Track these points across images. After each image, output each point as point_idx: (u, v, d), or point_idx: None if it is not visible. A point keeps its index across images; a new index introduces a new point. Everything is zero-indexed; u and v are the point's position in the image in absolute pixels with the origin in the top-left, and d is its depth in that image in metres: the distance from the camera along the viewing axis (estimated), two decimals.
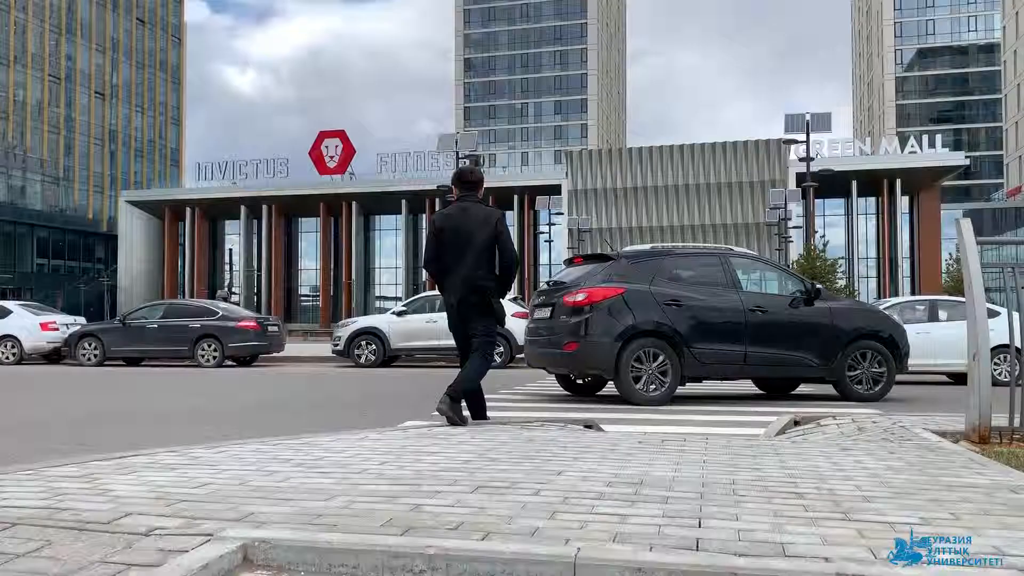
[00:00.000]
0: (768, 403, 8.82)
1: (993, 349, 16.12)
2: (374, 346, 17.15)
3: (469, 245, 5.56)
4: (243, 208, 59.02)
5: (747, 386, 10.53)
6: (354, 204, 57.39)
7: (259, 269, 59.79)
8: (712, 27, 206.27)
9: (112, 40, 69.41)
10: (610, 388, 9.19)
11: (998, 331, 6.41)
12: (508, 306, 17.68)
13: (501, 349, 17.12)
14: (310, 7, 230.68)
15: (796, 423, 5.75)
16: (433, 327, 17.14)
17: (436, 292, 22.19)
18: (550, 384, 11.70)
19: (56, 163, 64.41)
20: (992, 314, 16.71)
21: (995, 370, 13.40)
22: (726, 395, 10.05)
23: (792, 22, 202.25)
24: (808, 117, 25.73)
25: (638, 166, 54.39)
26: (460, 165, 33.51)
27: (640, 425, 6.72)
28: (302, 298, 62.61)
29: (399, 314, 17.67)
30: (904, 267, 51.78)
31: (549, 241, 46.70)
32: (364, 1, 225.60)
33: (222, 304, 19.41)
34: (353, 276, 57.82)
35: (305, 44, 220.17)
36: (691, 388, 9.40)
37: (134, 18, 72.00)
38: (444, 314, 17.51)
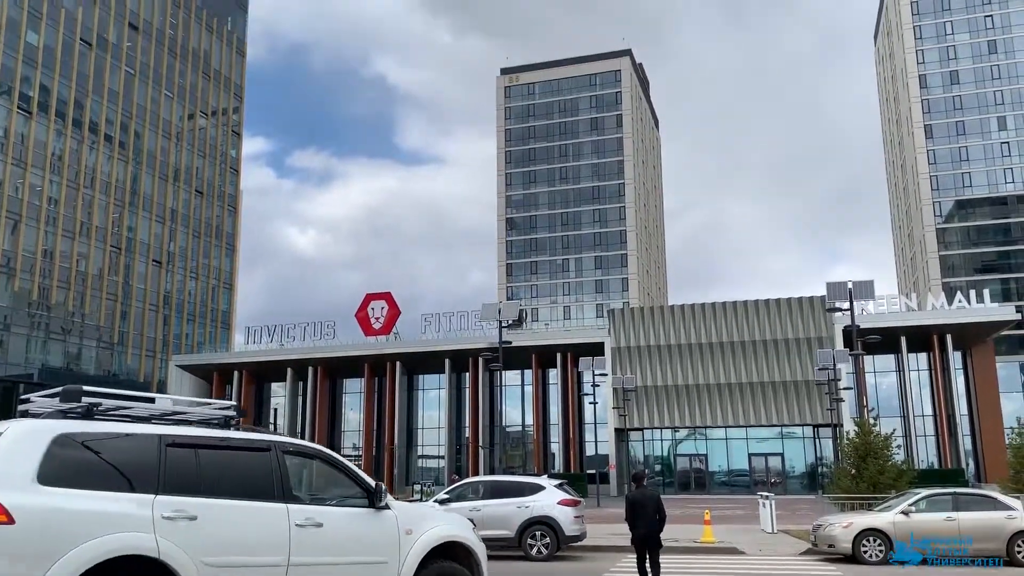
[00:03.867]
0: None
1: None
2: None
3: (646, 509, 11.63)
4: (289, 370, 59.87)
5: None
6: (398, 364, 57.86)
7: (303, 430, 59.82)
8: (749, 182, 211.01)
9: (171, 211, 73.13)
10: None
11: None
12: (554, 493, 17.24)
13: (548, 541, 16.55)
14: (368, 170, 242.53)
15: None
16: (477, 515, 16.67)
17: (479, 478, 21.81)
18: None
19: (112, 329, 66.49)
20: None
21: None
22: None
23: (830, 175, 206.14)
24: (850, 285, 25.67)
25: (681, 323, 54.32)
26: (504, 332, 33.74)
27: None
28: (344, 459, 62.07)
29: (442, 502, 17.26)
30: (964, 424, 49.90)
31: (594, 403, 46.15)
32: (418, 163, 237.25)
33: None
34: (396, 436, 57.49)
35: (363, 203, 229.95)
36: None
37: (193, 190, 76.07)
38: (487, 502, 17.12)
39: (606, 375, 49.37)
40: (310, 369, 59.26)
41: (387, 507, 7.13)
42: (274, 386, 63.92)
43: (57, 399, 6.01)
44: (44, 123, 61.22)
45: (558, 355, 55.06)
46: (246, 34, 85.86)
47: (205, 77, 78.58)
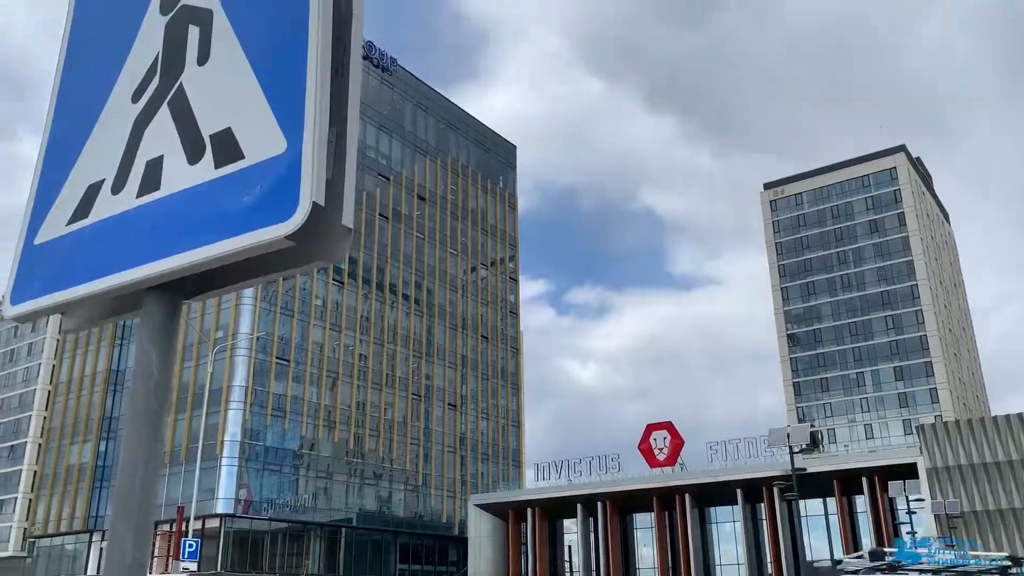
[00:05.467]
0: None
1: None
2: None
3: None
4: (579, 506, 60.10)
5: None
6: (687, 496, 55.97)
7: (596, 568, 59.20)
8: None
9: (462, 357, 78.84)
10: None
11: None
12: None
13: None
14: (643, 299, 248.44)
15: None
16: None
17: None
18: None
19: (416, 472, 71.64)
20: None
21: None
22: None
23: None
24: None
25: (1009, 435, 47.62)
26: (797, 458, 31.67)
27: None
28: None
29: None
30: None
31: (912, 532, 41.21)
32: (691, 287, 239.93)
33: None
34: (693, 573, 54.92)
35: (640, 333, 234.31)
36: None
37: (479, 336, 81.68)
38: None
39: (923, 500, 44.10)
40: (599, 504, 59.10)
41: None
42: (566, 522, 64.36)
43: (865, 559, 8.29)
44: (353, 290, 69.74)
45: (863, 480, 50.22)
46: (516, 189, 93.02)
47: (483, 232, 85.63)
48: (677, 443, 57.59)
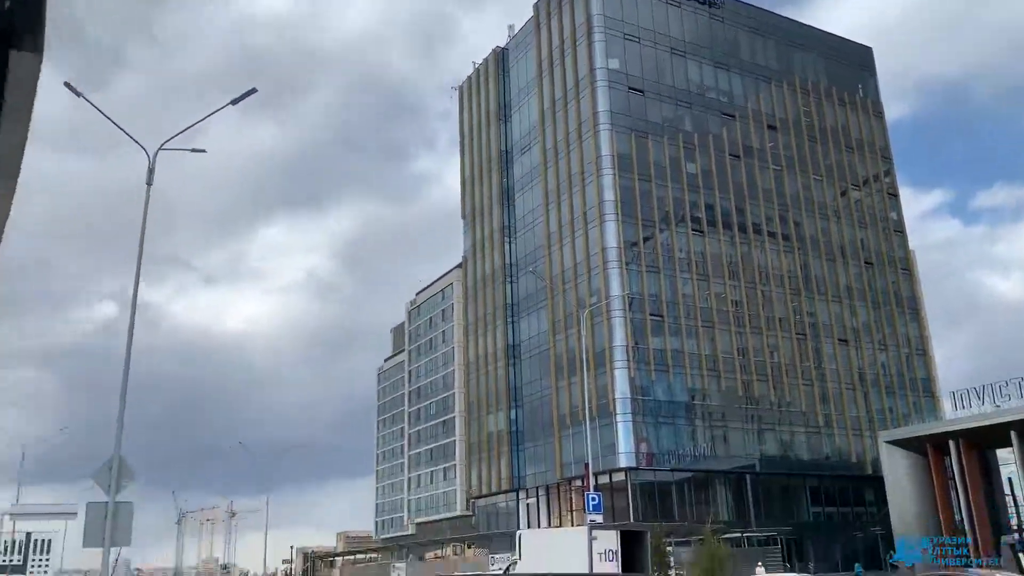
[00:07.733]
0: None
1: None
2: None
3: None
4: (1012, 433, 52.65)
5: None
6: None
7: None
8: None
9: (845, 288, 73.28)
10: None
11: None
12: None
13: None
14: None
15: None
16: None
17: None
18: None
19: (814, 413, 68.28)
20: None
21: None
22: None
23: None
24: None
25: None
26: None
27: None
28: None
29: None
30: None
31: None
32: None
33: None
34: None
35: None
36: None
37: (861, 262, 75.23)
38: None
39: None
40: None
41: None
42: (999, 452, 56.93)
43: None
44: (714, 236, 68.37)
45: None
46: (879, 95, 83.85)
47: (848, 150, 78.63)
48: None
